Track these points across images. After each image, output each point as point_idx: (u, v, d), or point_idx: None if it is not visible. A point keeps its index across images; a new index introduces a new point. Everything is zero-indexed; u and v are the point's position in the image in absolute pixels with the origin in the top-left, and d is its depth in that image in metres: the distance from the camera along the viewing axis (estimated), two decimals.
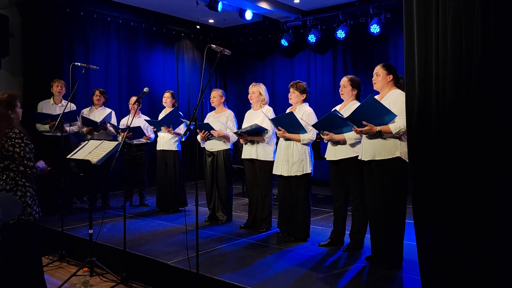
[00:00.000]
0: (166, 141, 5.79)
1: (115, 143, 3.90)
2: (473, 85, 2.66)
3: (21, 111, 3.24)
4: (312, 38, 7.77)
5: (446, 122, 2.77)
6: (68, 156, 4.01)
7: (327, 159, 4.14)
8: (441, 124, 2.80)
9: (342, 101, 4.20)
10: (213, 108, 5.48)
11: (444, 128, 2.79)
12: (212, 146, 5.19)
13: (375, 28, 7.04)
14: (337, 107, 4.24)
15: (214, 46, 3.52)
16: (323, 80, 8.13)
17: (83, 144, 4.14)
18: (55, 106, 5.78)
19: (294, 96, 4.46)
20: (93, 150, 3.92)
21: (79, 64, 4.67)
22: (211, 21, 8.76)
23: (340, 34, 7.44)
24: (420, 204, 2.92)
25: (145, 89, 4.03)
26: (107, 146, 3.90)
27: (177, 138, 5.82)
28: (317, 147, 5.96)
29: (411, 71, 3.01)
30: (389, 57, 7.29)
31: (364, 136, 3.58)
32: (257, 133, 4.63)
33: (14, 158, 3.04)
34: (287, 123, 4.22)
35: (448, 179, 2.75)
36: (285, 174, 4.34)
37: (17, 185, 3.07)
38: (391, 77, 3.61)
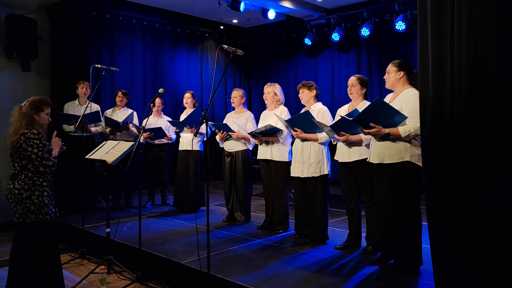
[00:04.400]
0: (189, 141, 5.83)
1: (131, 143, 3.97)
2: (489, 81, 2.54)
3: (47, 117, 3.33)
4: (336, 36, 7.65)
5: (461, 121, 2.67)
6: (86, 156, 4.10)
7: (338, 161, 4.05)
8: (455, 124, 2.70)
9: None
10: (233, 108, 5.47)
11: (458, 128, 2.69)
12: (231, 146, 5.19)
13: (400, 25, 6.85)
14: (345, 106, 4.16)
15: (226, 46, 3.51)
16: (347, 79, 7.88)
17: (101, 144, 4.23)
18: (80, 107, 5.94)
19: (304, 94, 4.41)
20: (110, 150, 4.00)
21: (99, 66, 4.79)
22: (234, 21, 8.78)
23: (365, 32, 7.29)
24: (433, 207, 2.82)
25: (160, 90, 4.08)
26: (123, 146, 3.97)
27: (199, 138, 5.87)
28: (334, 147, 5.86)
29: (424, 70, 2.91)
30: (415, 54, 7.00)
31: (372, 137, 3.46)
32: (271, 134, 4.60)
33: (31, 159, 3.14)
34: (303, 123, 4.16)
35: (461, 179, 2.66)
36: (302, 175, 4.27)
37: (35, 184, 3.17)
38: (401, 73, 3.47)
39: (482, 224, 2.57)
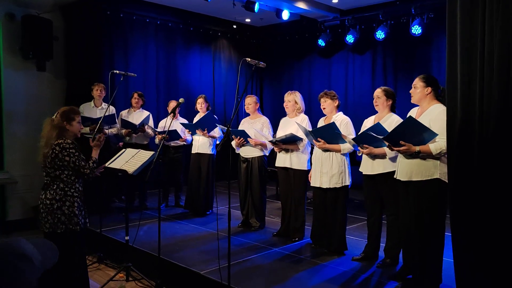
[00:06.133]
0: (202, 144, 5.85)
1: (151, 153, 3.97)
2: None
3: (79, 126, 3.34)
4: (350, 38, 7.58)
5: (490, 142, 2.65)
6: (106, 165, 4.10)
7: (362, 173, 4.03)
8: (484, 145, 2.68)
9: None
10: (247, 114, 5.46)
11: (488, 149, 2.66)
12: (247, 152, 5.19)
13: (416, 29, 6.77)
14: (372, 118, 4.12)
15: (249, 59, 3.51)
16: (361, 82, 7.93)
17: (120, 152, 4.23)
18: (96, 109, 5.95)
19: (326, 104, 4.39)
20: (130, 160, 4.00)
21: (117, 72, 4.79)
22: (247, 20, 8.72)
23: (380, 34, 7.22)
24: (457, 213, 2.82)
25: (181, 100, 4.08)
26: (143, 155, 3.97)
27: (212, 142, 5.88)
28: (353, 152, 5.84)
29: (453, 89, 2.88)
30: (431, 59, 7.01)
31: (400, 154, 3.44)
32: (291, 142, 4.59)
33: (66, 168, 3.18)
34: (328, 134, 4.14)
35: (489, 200, 2.64)
36: (324, 186, 4.27)
37: (66, 195, 3.20)
38: (429, 89, 3.43)
39: (510, 226, 2.56)
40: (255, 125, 5.17)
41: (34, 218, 6.10)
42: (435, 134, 3.18)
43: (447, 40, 2.90)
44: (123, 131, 6.06)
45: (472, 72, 2.73)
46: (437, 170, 3.24)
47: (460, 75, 2.82)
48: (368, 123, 4.07)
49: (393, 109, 4.01)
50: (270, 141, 4.82)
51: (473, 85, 2.75)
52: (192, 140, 6.20)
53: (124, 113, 6.26)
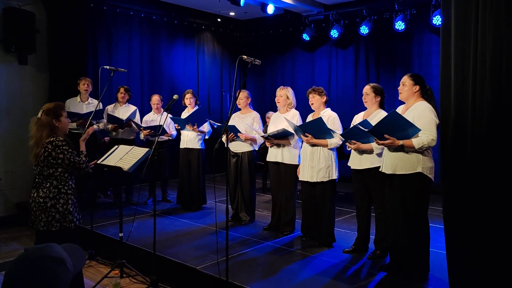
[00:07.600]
0: (191, 139, 5.86)
1: (145, 150, 3.96)
2: None
3: (67, 120, 3.32)
4: (334, 33, 7.68)
5: (483, 140, 2.76)
6: (99, 162, 4.08)
7: (351, 168, 4.15)
8: (477, 143, 2.79)
9: (361, 101, 4.22)
10: (238, 108, 5.50)
11: (480, 146, 2.78)
12: (237, 147, 5.24)
13: (400, 25, 6.92)
14: (361, 114, 4.23)
15: (245, 57, 3.54)
16: (344, 76, 8.06)
17: (112, 149, 4.21)
18: (82, 104, 5.87)
19: (315, 100, 4.48)
20: (123, 156, 3.99)
21: (108, 67, 4.74)
22: (232, 13, 8.71)
23: (364, 30, 7.35)
24: (451, 210, 2.94)
25: (175, 97, 4.08)
26: (138, 152, 3.97)
27: (201, 136, 5.89)
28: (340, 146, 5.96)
29: (446, 87, 2.98)
30: (413, 55, 7.19)
31: (385, 148, 3.57)
32: (283, 137, 4.67)
33: (60, 165, 3.17)
34: (315, 129, 4.24)
35: (482, 197, 2.76)
36: (311, 180, 4.37)
37: (60, 192, 3.19)
38: (417, 87, 3.56)
39: (503, 223, 2.68)
40: (245, 120, 5.22)
41: (17, 215, 6.00)
42: (417, 130, 3.32)
43: (441, 40, 3.01)
44: (109, 126, 6.01)
45: (466, 71, 2.84)
46: (420, 165, 3.39)
47: (453, 74, 2.92)
48: (357, 119, 4.19)
49: (381, 106, 4.13)
50: (262, 136, 4.88)
51: (466, 84, 2.87)
52: (177, 135, 6.21)
53: (110, 108, 6.19)
